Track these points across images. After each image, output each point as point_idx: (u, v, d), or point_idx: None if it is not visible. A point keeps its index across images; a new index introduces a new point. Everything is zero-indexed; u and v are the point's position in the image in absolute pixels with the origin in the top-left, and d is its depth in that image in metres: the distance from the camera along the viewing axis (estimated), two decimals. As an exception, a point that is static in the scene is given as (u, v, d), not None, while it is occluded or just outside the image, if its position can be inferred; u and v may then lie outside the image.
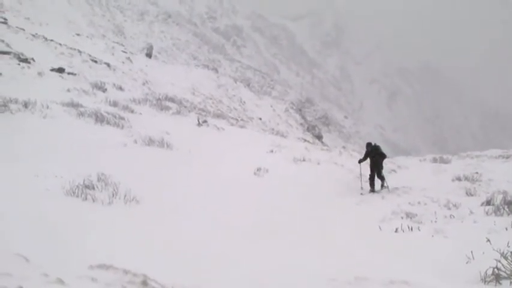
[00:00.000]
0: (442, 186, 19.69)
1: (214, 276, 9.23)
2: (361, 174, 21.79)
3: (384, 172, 21.52)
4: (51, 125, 20.45)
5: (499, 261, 9.26)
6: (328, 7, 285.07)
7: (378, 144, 22.13)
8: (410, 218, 15.21)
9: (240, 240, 12.11)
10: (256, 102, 64.07)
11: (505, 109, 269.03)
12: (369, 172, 21.25)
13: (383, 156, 21.25)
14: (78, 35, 63.48)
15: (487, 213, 14.67)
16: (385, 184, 20.93)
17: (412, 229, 13.79)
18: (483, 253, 10.53)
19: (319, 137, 67.39)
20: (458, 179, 20.73)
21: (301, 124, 67.01)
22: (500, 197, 16.38)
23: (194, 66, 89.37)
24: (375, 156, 21.23)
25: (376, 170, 21.01)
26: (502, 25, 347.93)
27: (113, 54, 57.02)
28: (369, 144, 21.95)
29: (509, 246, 10.44)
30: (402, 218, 15.29)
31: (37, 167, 14.15)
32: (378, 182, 20.96)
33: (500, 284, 8.99)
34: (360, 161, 22.16)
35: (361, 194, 20.07)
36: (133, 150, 20.47)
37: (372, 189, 20.58)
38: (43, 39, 44.80)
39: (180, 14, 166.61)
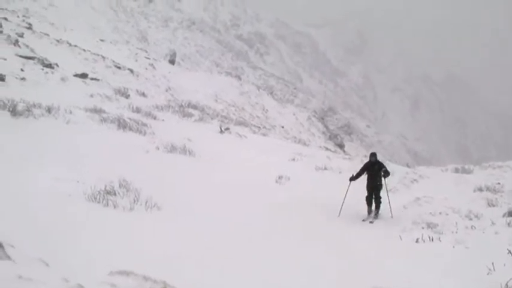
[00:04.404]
0: (463, 197, 19.42)
1: (235, 284, 9.26)
2: (345, 198, 17.63)
3: (385, 193, 17.98)
4: (73, 130, 20.54)
5: (521, 273, 9.20)
6: (351, 15, 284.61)
7: (381, 161, 18.77)
8: (431, 228, 15.11)
9: (260, 247, 12.10)
10: (279, 110, 64.07)
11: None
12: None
13: (385, 173, 17.77)
14: (102, 40, 64.01)
15: (508, 224, 14.53)
16: (379, 212, 17.64)
17: (432, 239, 13.72)
18: (504, 265, 10.48)
19: (341, 146, 67.32)
20: (480, 189, 20.45)
21: (323, 132, 66.94)
22: (522, 208, 16.24)
23: (217, 73, 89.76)
24: (373, 171, 17.84)
25: (374, 190, 17.73)
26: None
27: (136, 60, 57.36)
28: (372, 155, 18.40)
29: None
30: (423, 228, 15.19)
31: (59, 172, 14.20)
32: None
33: (521, 296, 8.93)
34: (352, 178, 18.08)
35: (363, 220, 17.25)
36: (155, 157, 20.54)
37: (370, 210, 17.69)
38: (67, 45, 45.18)
39: (204, 20, 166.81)
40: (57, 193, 12.36)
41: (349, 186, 18.01)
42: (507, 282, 9.26)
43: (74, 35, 57.90)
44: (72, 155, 16.71)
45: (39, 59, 33.36)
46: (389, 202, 17.61)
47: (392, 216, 17.10)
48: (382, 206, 17.68)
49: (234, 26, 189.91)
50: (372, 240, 14.35)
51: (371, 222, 17.18)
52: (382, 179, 17.85)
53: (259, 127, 45.89)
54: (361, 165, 18.60)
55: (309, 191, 20.33)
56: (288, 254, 11.81)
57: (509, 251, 11.21)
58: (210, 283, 9.17)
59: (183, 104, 38.33)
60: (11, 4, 72.18)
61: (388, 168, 18.55)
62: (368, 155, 18.37)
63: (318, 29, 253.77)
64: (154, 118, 28.34)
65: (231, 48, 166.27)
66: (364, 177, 18.02)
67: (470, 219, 15.99)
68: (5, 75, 25.71)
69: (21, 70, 29.58)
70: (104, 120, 23.57)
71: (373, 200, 17.76)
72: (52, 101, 23.27)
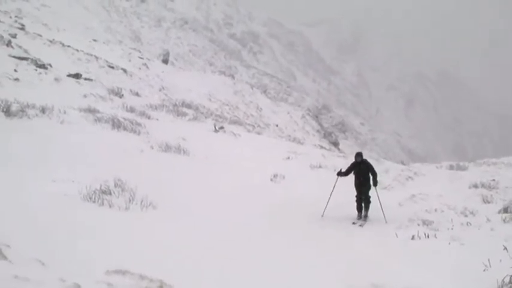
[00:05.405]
0: (458, 193, 19.42)
1: (235, 284, 9.26)
2: (331, 195, 17.09)
3: (373, 194, 16.88)
4: (68, 130, 20.50)
5: (517, 269, 9.20)
6: (345, 13, 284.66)
7: (368, 161, 17.67)
8: (427, 225, 15.06)
9: (260, 247, 12.10)
10: (273, 109, 63.96)
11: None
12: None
13: (373, 173, 16.85)
14: (95, 40, 63.69)
15: (504, 220, 14.52)
16: (368, 214, 16.81)
17: (428, 236, 13.68)
18: (500, 261, 10.46)
19: (335, 144, 67.19)
20: (475, 186, 20.45)
21: (317, 131, 66.79)
22: (517, 204, 16.23)
23: (211, 72, 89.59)
24: (360, 171, 17.00)
25: (361, 190, 16.92)
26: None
27: (129, 60, 57.19)
28: (358, 155, 17.40)
29: (527, 254, 10.37)
30: (419, 225, 15.14)
31: (54, 172, 14.19)
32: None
33: (517, 292, 8.92)
34: (340, 174, 17.46)
35: (353, 223, 16.33)
36: (150, 156, 20.53)
37: (360, 215, 16.89)
38: (60, 45, 44.98)
39: (197, 20, 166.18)
40: (52, 193, 12.34)
41: (336, 181, 17.40)
42: (503, 278, 9.26)
43: (67, 35, 57.64)
44: (66, 154, 16.69)
45: (32, 60, 33.24)
46: (381, 207, 16.42)
47: (386, 222, 15.99)
48: (374, 204, 16.87)
49: (226, 25, 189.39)
50: (368, 238, 14.30)
51: (360, 225, 16.24)
52: (371, 179, 16.98)
53: (254, 126, 45.85)
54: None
55: (305, 190, 20.34)
56: (287, 254, 11.84)
57: (505, 247, 11.19)
58: (210, 283, 9.15)
59: (177, 103, 38.30)
60: (3, 5, 71.80)
61: (384, 166, 18.49)
62: (361, 153, 17.88)
63: (312, 28, 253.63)
64: (149, 117, 28.30)
65: (224, 48, 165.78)
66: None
67: (466, 215, 16.00)
68: (-2, 76, 25.66)
69: (15, 71, 29.48)
70: (98, 120, 23.51)
71: (362, 203, 16.98)
72: (46, 101, 23.21)
